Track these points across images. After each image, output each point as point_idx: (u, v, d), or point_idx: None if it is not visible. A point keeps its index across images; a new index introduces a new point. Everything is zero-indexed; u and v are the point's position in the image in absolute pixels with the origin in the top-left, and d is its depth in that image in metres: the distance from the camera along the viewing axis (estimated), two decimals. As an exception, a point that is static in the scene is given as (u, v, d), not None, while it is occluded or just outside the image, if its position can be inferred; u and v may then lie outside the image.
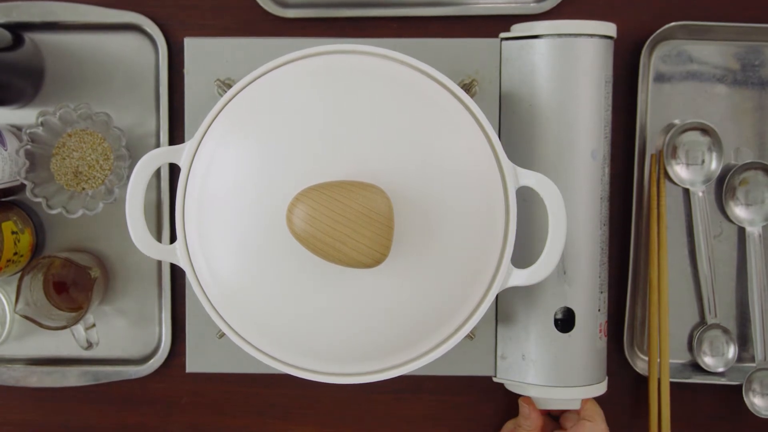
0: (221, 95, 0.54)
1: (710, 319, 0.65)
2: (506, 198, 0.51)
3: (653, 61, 0.65)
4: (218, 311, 0.52)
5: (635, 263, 0.64)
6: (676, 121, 0.65)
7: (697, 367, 0.65)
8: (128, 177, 0.52)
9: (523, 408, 0.61)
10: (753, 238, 0.64)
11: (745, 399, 0.64)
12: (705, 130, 0.64)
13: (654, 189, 0.64)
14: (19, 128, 0.64)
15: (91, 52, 0.64)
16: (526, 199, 0.57)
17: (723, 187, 0.65)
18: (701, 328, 0.65)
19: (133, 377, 0.65)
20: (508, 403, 0.66)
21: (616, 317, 0.65)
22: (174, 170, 0.64)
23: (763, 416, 0.64)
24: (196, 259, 0.52)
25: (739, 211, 0.65)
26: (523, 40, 0.59)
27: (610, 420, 0.61)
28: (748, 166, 0.64)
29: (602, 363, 0.60)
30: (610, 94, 0.59)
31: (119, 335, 0.65)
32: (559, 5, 0.64)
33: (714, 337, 0.65)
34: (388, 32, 0.65)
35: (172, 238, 0.64)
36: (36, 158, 0.60)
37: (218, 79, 0.59)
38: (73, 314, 0.62)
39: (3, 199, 0.64)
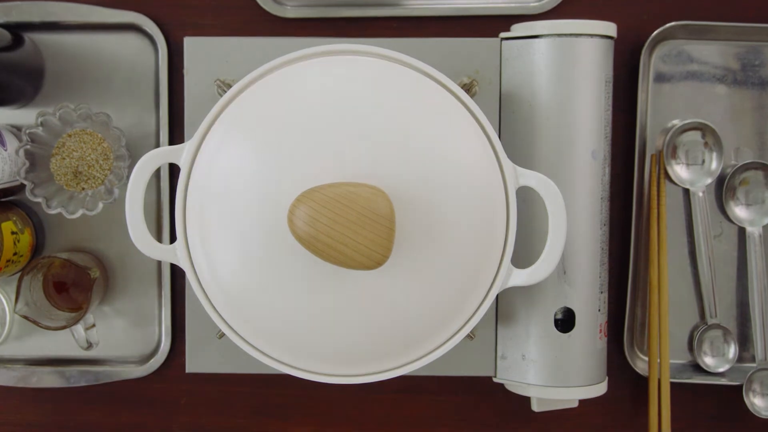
0: (221, 95, 0.54)
1: (710, 319, 0.65)
2: (506, 198, 0.51)
3: (653, 61, 0.65)
4: (218, 311, 0.52)
5: (635, 263, 0.64)
6: (676, 121, 0.65)
7: (697, 368, 0.65)
8: (128, 177, 0.52)
9: None
10: (753, 238, 0.64)
11: (745, 399, 0.64)
12: (705, 130, 0.64)
13: (654, 189, 0.64)
14: (19, 128, 0.64)
15: (91, 52, 0.64)
16: (526, 199, 0.57)
17: (723, 187, 0.65)
18: (701, 328, 0.65)
19: (133, 377, 0.65)
20: (508, 403, 0.66)
21: (616, 317, 0.65)
22: (174, 170, 0.64)
23: (763, 416, 0.64)
24: (196, 260, 0.52)
25: (739, 211, 0.65)
26: (523, 40, 0.59)
27: (610, 420, 0.61)
28: (748, 166, 0.64)
29: (602, 363, 0.60)
30: (610, 94, 0.59)
31: (119, 335, 0.65)
32: (559, 5, 0.64)
33: (714, 337, 0.65)
34: (388, 32, 0.65)
35: (172, 239, 0.64)
36: (36, 158, 0.60)
37: (218, 80, 0.59)
38: (73, 314, 0.62)
39: (3, 199, 0.64)
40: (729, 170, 0.64)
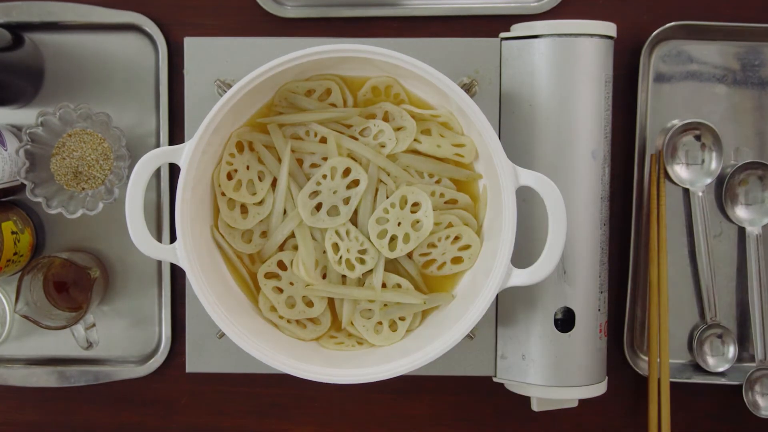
0: (221, 95, 0.54)
1: (710, 319, 0.65)
2: (506, 198, 0.51)
3: (653, 61, 0.65)
4: (218, 311, 0.52)
5: (635, 263, 0.64)
6: (676, 121, 0.65)
7: (697, 367, 0.65)
8: (128, 177, 0.52)
9: None
10: (753, 238, 0.64)
11: (745, 399, 0.64)
12: (704, 130, 0.64)
13: (654, 189, 0.64)
14: (19, 128, 0.64)
15: (91, 52, 0.64)
16: (526, 199, 0.57)
17: (723, 187, 0.65)
18: (701, 328, 0.65)
19: (133, 377, 0.65)
20: (508, 403, 0.66)
21: (616, 317, 0.65)
22: (174, 170, 0.64)
23: (763, 416, 0.64)
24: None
25: (739, 211, 0.65)
26: (523, 40, 0.59)
27: (610, 420, 0.61)
28: (748, 166, 0.64)
29: (602, 363, 0.60)
30: (610, 94, 0.59)
31: (119, 335, 0.65)
32: (559, 5, 0.64)
33: (714, 337, 0.65)
34: (388, 32, 0.65)
35: (172, 239, 0.64)
36: (36, 158, 0.60)
37: (218, 80, 0.59)
38: (73, 314, 0.62)
39: (3, 199, 0.64)
40: (729, 170, 0.64)
